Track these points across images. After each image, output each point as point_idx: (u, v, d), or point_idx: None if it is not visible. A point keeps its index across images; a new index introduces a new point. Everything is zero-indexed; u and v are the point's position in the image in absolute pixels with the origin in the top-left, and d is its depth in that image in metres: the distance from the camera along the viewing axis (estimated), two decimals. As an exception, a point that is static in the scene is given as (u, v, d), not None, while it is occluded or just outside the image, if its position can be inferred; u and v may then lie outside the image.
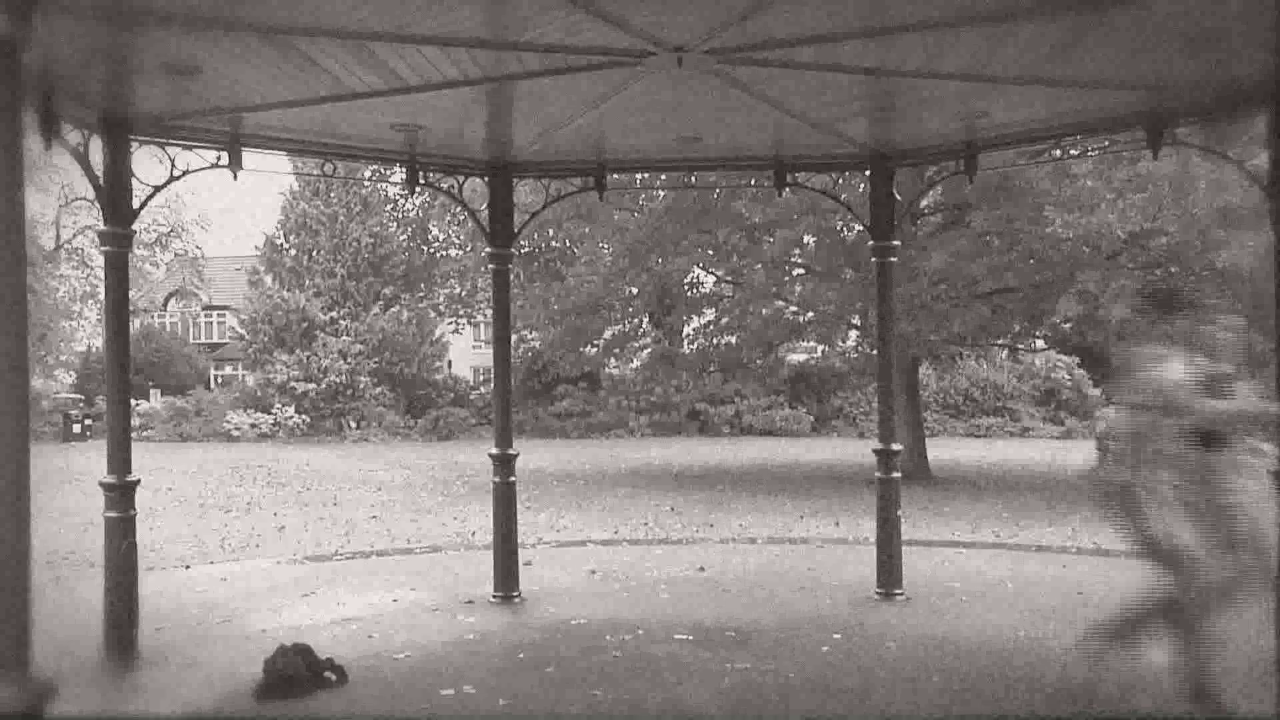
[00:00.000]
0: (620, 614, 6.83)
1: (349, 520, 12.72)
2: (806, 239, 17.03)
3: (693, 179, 10.35)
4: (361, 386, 31.47)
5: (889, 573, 7.24)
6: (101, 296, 8.95)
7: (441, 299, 32.55)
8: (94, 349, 36.24)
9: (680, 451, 24.97)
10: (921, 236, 16.35)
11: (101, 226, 6.05)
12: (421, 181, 7.15)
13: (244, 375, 37.66)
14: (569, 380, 30.10)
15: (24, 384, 2.86)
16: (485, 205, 7.44)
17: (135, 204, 6.10)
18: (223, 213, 69.19)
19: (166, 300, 45.70)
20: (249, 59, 4.87)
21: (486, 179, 7.35)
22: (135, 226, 6.18)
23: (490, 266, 7.51)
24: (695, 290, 21.26)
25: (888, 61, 5.23)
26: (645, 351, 23.37)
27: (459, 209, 12.67)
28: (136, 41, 4.68)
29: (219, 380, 41.73)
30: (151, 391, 35.64)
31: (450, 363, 37.45)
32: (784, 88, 5.58)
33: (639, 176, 12.65)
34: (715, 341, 19.85)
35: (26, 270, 2.90)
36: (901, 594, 7.18)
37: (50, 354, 34.31)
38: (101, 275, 7.30)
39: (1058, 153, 12.64)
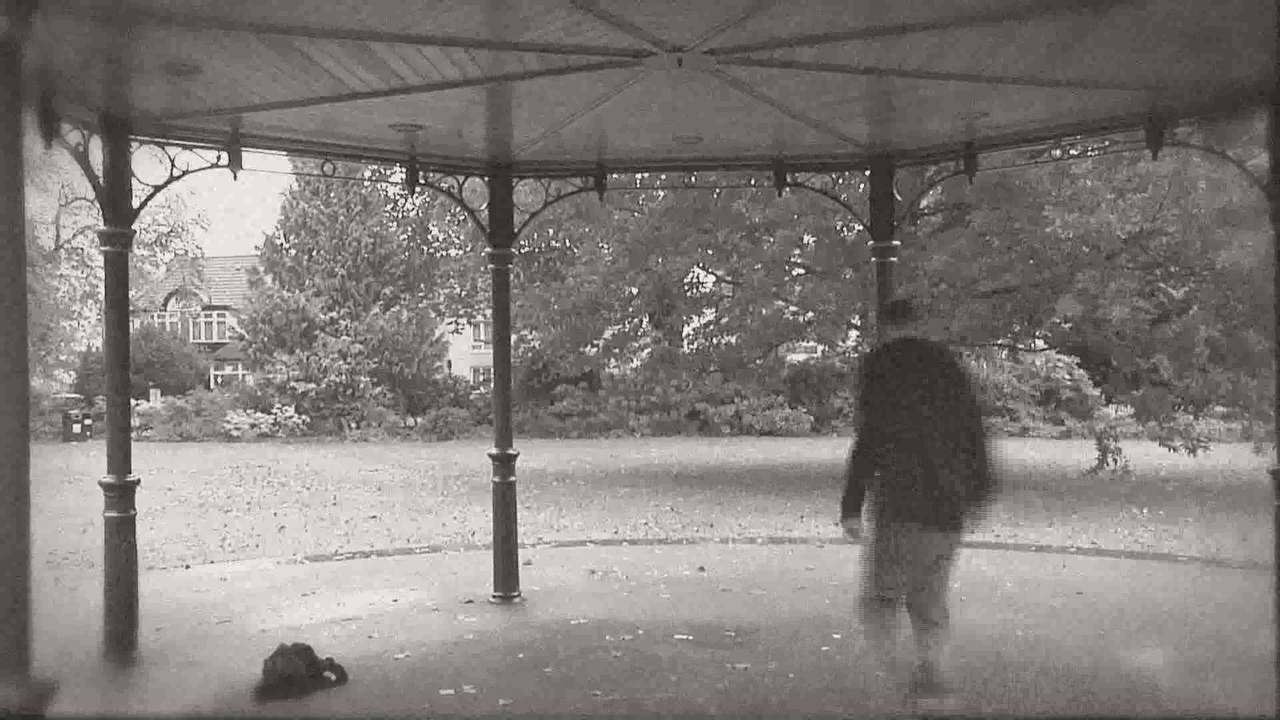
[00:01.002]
0: (620, 614, 6.83)
1: (349, 520, 12.72)
2: (806, 239, 17.03)
3: (693, 179, 10.34)
4: (361, 386, 31.45)
5: (889, 573, 7.22)
6: (101, 296, 8.94)
7: (441, 299, 32.54)
8: (94, 349, 36.21)
9: (680, 451, 24.96)
10: (921, 236, 16.35)
11: (101, 226, 6.05)
12: (421, 181, 7.15)
13: (244, 375, 37.67)
14: (569, 380, 30.07)
15: (24, 384, 2.86)
16: (485, 205, 7.44)
17: (135, 204, 6.10)
18: (225, 211, 69.23)
19: (166, 300, 45.69)
20: (249, 59, 4.87)
21: (486, 179, 7.35)
22: (135, 226, 6.19)
23: (490, 266, 7.51)
24: (695, 290, 21.23)
25: (888, 61, 5.23)
26: (645, 351, 23.34)
27: (459, 209, 12.67)
28: (136, 41, 4.68)
29: (219, 380, 41.73)
30: (151, 391, 35.62)
31: (450, 363, 37.44)
32: (784, 88, 5.58)
33: (639, 176, 12.64)
34: (715, 341, 19.84)
35: (26, 270, 2.90)
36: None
37: (50, 354, 34.32)
38: (101, 275, 7.30)
39: (1058, 153, 12.66)
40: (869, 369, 4.70)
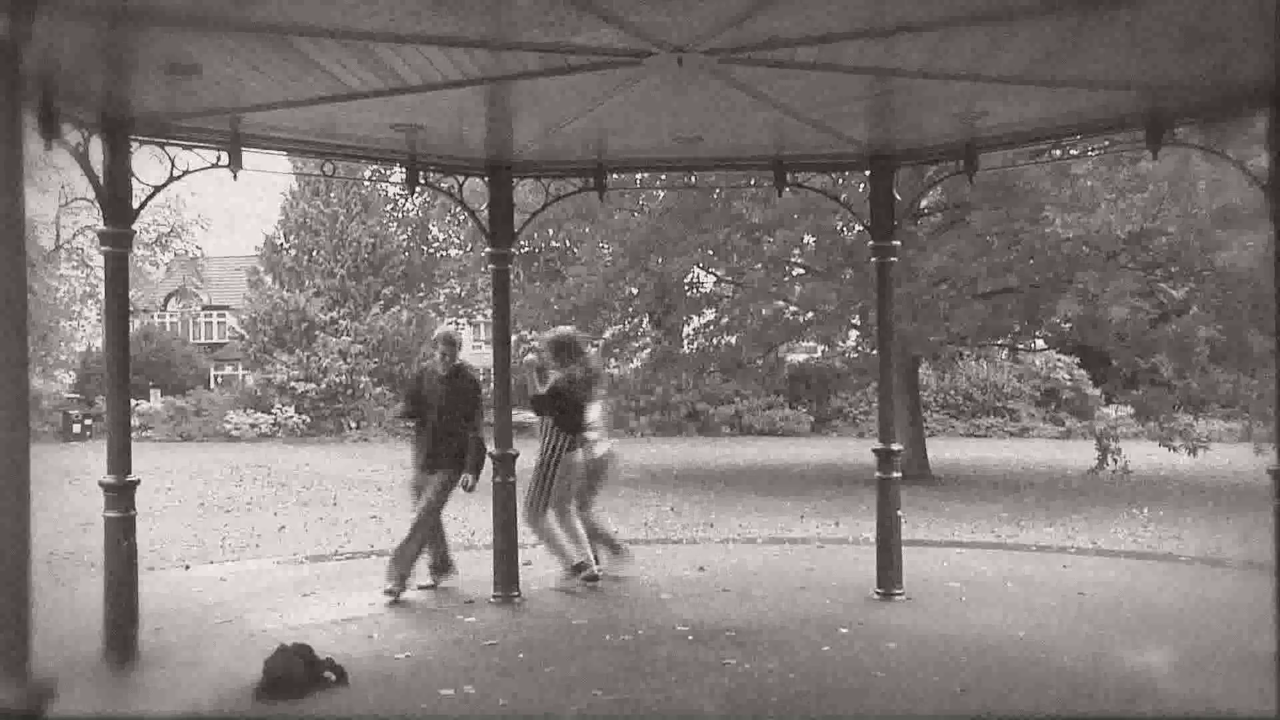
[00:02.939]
0: (620, 614, 6.83)
1: (349, 520, 12.72)
2: (806, 239, 17.03)
3: (693, 179, 10.35)
4: (361, 386, 31.45)
5: (889, 573, 7.23)
6: (101, 296, 8.94)
7: (441, 299, 32.50)
8: (94, 349, 36.18)
9: (680, 451, 24.96)
10: (921, 236, 16.35)
11: (101, 226, 6.04)
12: (421, 181, 7.14)
13: (244, 375, 37.66)
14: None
15: (24, 384, 2.86)
16: (485, 205, 7.44)
17: (135, 204, 6.09)
18: (226, 210, 69.04)
19: (166, 300, 45.64)
20: (249, 59, 4.86)
21: (486, 179, 7.35)
22: (135, 226, 6.18)
23: (490, 266, 7.51)
24: (695, 290, 21.24)
25: (888, 61, 5.22)
26: (645, 351, 23.35)
27: (459, 209, 12.66)
28: (136, 41, 4.68)
29: (219, 380, 41.71)
30: (151, 391, 35.61)
31: (450, 363, 37.36)
32: (784, 88, 5.58)
33: (639, 176, 12.65)
34: (715, 341, 19.83)
35: (26, 270, 2.90)
36: (901, 594, 7.18)
37: (50, 354, 34.29)
38: (101, 275, 7.29)
39: (1058, 153, 12.65)
40: (416, 382, 7.85)
